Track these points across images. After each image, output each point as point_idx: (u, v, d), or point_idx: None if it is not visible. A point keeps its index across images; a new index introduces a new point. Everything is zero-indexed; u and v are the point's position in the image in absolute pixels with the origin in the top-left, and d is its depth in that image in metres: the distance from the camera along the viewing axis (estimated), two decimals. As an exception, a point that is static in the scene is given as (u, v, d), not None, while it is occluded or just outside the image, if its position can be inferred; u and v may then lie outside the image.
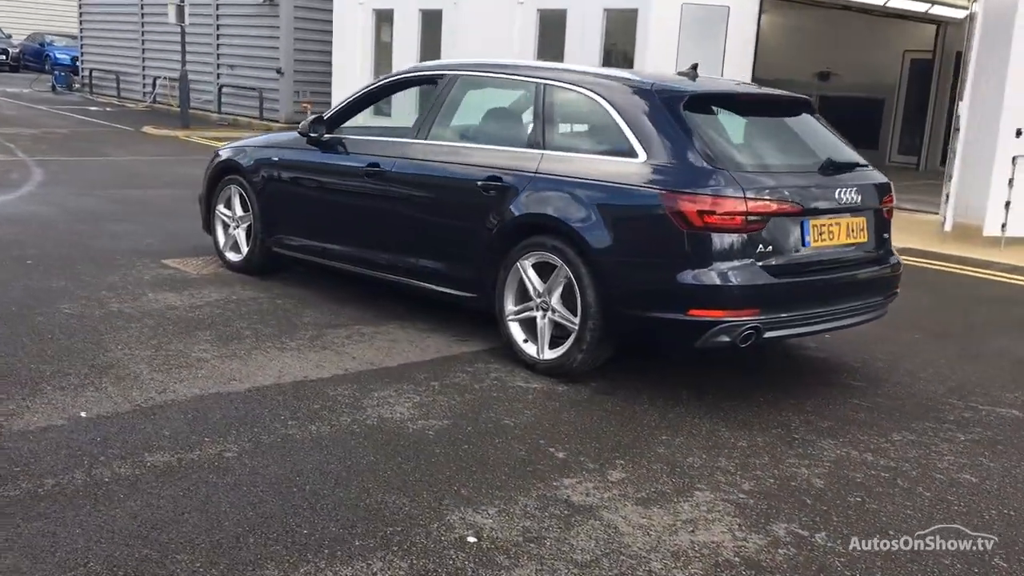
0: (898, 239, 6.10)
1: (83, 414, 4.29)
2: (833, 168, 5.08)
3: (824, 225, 4.93)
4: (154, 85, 24.84)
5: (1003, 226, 10.23)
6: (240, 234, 7.22)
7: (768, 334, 4.76)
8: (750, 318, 4.64)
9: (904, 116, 19.51)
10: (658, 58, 12.81)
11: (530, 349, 5.28)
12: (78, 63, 29.22)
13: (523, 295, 5.34)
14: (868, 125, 18.74)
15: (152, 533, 3.29)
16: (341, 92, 18.86)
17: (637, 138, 4.93)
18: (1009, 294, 8.47)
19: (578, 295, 4.98)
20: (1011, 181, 10.21)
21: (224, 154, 7.38)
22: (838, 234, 5.01)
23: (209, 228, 7.52)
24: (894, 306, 5.65)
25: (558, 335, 5.20)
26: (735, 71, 12.79)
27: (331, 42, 19.29)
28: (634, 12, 13.56)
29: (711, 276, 4.63)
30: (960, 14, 17.57)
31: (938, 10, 17.28)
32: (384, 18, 17.86)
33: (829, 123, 5.63)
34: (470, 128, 6.06)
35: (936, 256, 9.52)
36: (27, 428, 4.10)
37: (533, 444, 4.27)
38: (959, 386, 5.50)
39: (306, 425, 4.33)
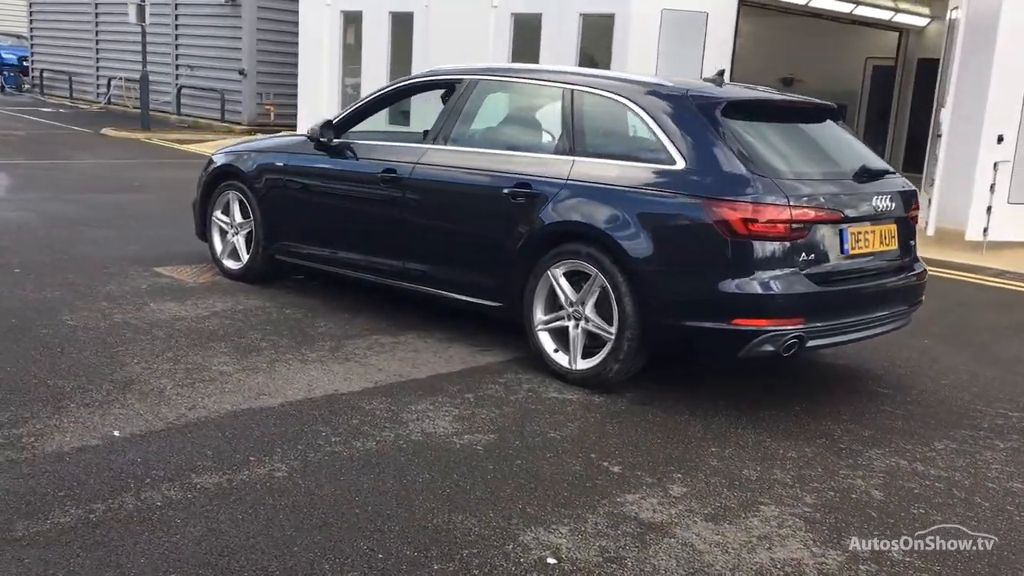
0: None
1: (116, 433, 4.10)
2: (867, 175, 5.06)
3: (861, 233, 4.91)
4: (109, 86, 24.28)
5: (985, 231, 10.39)
6: (240, 241, 7.03)
7: (810, 343, 4.72)
8: (795, 327, 4.60)
9: (867, 121, 19.79)
10: (637, 62, 12.80)
11: (561, 359, 5.18)
12: (26, 63, 28.47)
13: (553, 304, 5.25)
14: (832, 130, 18.91)
15: (221, 560, 3.13)
16: (307, 94, 18.61)
17: (675, 145, 4.87)
18: (1002, 298, 8.58)
19: (615, 304, 4.90)
20: (993, 186, 10.37)
21: (220, 159, 7.17)
22: (873, 242, 4.99)
23: (204, 235, 7.30)
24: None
25: (590, 345, 5.11)
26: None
27: (296, 43, 18.99)
28: (611, 17, 13.53)
29: (755, 285, 4.58)
30: (922, 22, 17.95)
31: (901, 18, 17.60)
32: (352, 20, 17.62)
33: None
34: (494, 134, 5.95)
35: (921, 261, 9.60)
36: (61, 450, 3.90)
37: (585, 458, 4.18)
38: (983, 392, 5.52)
39: (350, 442, 4.19)
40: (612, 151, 5.25)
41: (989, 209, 10.40)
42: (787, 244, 4.62)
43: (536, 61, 14.17)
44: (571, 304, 5.12)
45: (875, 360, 6.01)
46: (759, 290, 4.58)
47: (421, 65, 15.15)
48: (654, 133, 4.98)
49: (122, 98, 23.87)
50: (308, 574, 3.10)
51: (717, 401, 5.02)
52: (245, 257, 6.98)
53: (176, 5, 22.01)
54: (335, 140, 6.30)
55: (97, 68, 25.17)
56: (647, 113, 5.04)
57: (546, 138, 5.68)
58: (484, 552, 3.31)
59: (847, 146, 5.42)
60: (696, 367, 5.62)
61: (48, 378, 4.73)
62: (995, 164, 10.36)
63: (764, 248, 4.60)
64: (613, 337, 4.92)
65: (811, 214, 4.67)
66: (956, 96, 10.63)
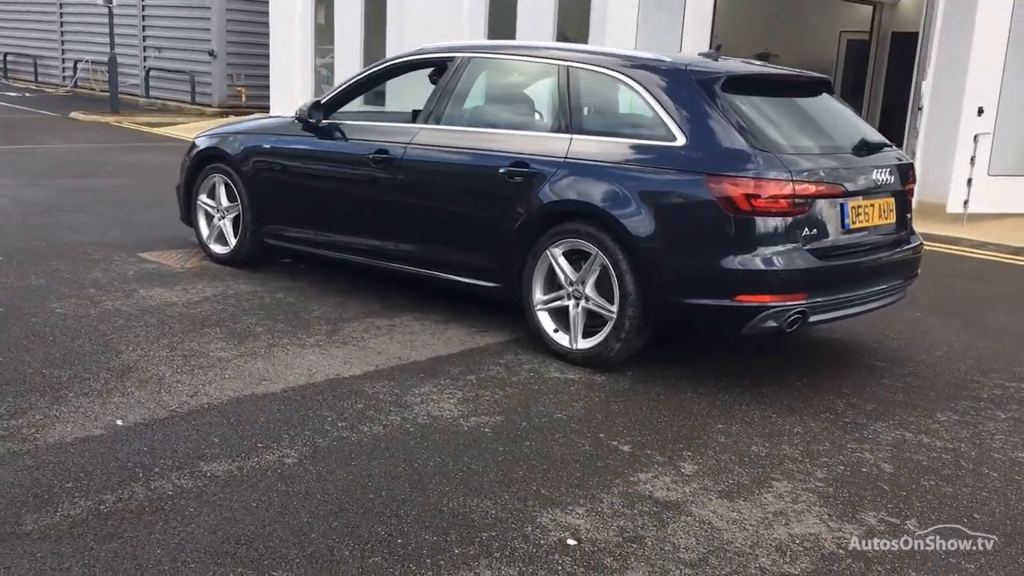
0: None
1: (119, 422, 4.03)
2: (866, 148, 5.06)
3: (861, 207, 4.92)
4: (75, 69, 23.85)
5: (965, 203, 10.47)
6: (227, 225, 6.92)
7: (812, 318, 4.73)
8: (798, 303, 4.60)
9: (842, 96, 19.75)
10: (615, 39, 12.73)
11: (561, 339, 5.16)
12: (-11, 46, 27.87)
13: (551, 284, 5.21)
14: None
15: (239, 549, 3.09)
16: (278, 75, 18.37)
17: (675, 121, 4.83)
18: (984, 269, 8.66)
19: (615, 283, 4.87)
20: (973, 159, 10.45)
21: (204, 142, 7.05)
22: (872, 215, 5.00)
23: (189, 220, 7.19)
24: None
25: (591, 324, 5.09)
26: (694, 48, 12.78)
27: (267, 23, 18.72)
28: (588, -8, 13.44)
29: (759, 261, 4.57)
30: (896, -5, 17.99)
31: (876, -9, 17.63)
32: (324, -2, 17.40)
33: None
34: (488, 112, 5.89)
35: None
36: (63, 440, 3.83)
37: (594, 438, 4.16)
38: (977, 364, 5.57)
39: (357, 426, 4.14)
40: (610, 128, 5.21)
41: (969, 181, 10.48)
42: (789, 219, 4.61)
43: (513, 38, 14.07)
44: (571, 283, 5.09)
45: (869, 333, 6.04)
46: (762, 266, 4.57)
47: (396, 45, 14.99)
48: (653, 109, 4.94)
49: (89, 81, 23.46)
50: (329, 560, 3.06)
51: (719, 378, 5.02)
52: (233, 241, 6.88)
53: (143, -15, 21.64)
54: (324, 121, 6.21)
55: (63, 51, 24.71)
56: (645, 89, 5.00)
57: (542, 116, 5.62)
58: (503, 535, 3.28)
59: (844, 119, 5.41)
60: (695, 344, 5.61)
61: (43, 367, 4.64)
62: (975, 136, 10.43)
63: (767, 224, 4.59)
64: (615, 316, 4.90)
65: (813, 189, 4.67)
66: (936, 68, 10.68)
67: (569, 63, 5.35)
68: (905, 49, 13.82)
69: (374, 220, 5.94)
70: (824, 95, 5.48)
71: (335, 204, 6.20)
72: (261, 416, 4.19)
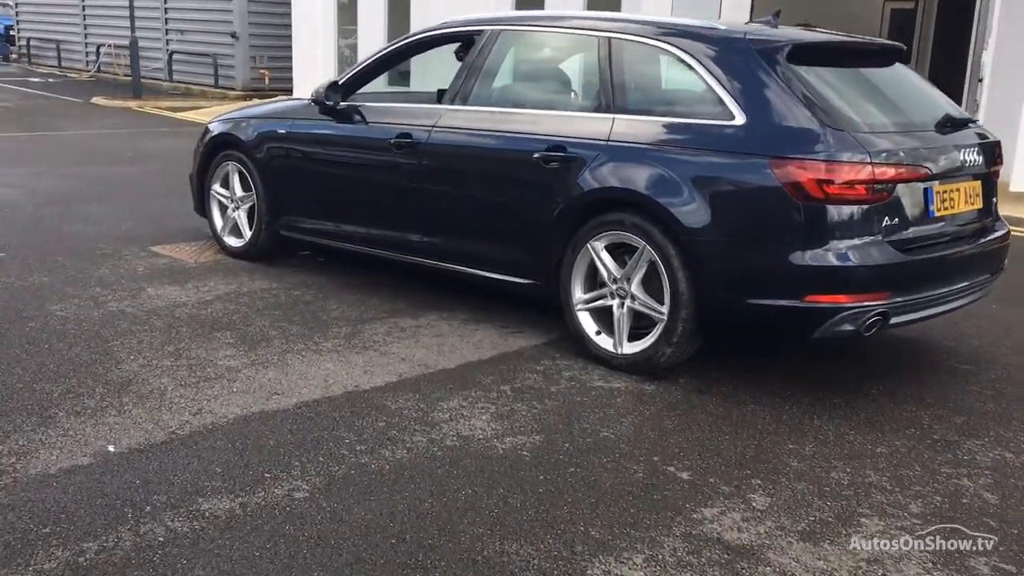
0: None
1: (111, 448, 3.57)
2: (950, 125, 4.48)
3: (946, 191, 4.34)
4: (98, 53, 23.53)
5: (1030, 181, 9.78)
6: (241, 216, 6.46)
7: (894, 320, 4.16)
8: (878, 303, 4.04)
9: (886, 67, 19.04)
10: (651, 7, 12.12)
11: (604, 343, 4.63)
12: (12, 32, 27.67)
13: (592, 281, 4.69)
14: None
15: (237, 615, 2.61)
16: (301, 57, 17.89)
17: (733, 97, 4.27)
18: (1057, 254, 7.99)
19: (666, 281, 4.34)
20: (1039, 134, 9.75)
21: (217, 128, 6.58)
22: (958, 201, 4.42)
23: (203, 210, 6.73)
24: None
25: (636, 326, 4.56)
26: (733, 16, 12.12)
27: (289, 3, 18.23)
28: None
29: (832, 255, 4.00)
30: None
31: (922, -42, 16.80)
32: (347, -24, 16.87)
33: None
34: (521, 91, 5.36)
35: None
36: (46, 471, 3.37)
37: (648, 463, 3.64)
38: (1071, 365, 4.98)
39: (377, 450, 3.65)
40: (658, 106, 4.64)
41: (1034, 158, 9.79)
42: (867, 207, 4.03)
43: (542, 9, 13.46)
44: (615, 281, 4.56)
45: (943, 331, 5.45)
46: (836, 262, 4.00)
47: (420, 21, 14.43)
48: (707, 84, 4.37)
49: (112, 65, 23.14)
50: (342, 630, 2.57)
51: (783, 386, 4.48)
52: (248, 233, 6.41)
53: (164, -33, 21.23)
54: (342, 103, 5.71)
55: (85, 35, 24.40)
56: (698, 61, 4.43)
57: (581, 94, 5.07)
58: (548, 591, 2.78)
59: (921, 92, 4.82)
60: (758, 352, 5.06)
61: (34, 382, 4.19)
62: (1041, 109, 9.73)
63: (841, 213, 4.02)
64: (665, 317, 4.36)
65: (893, 172, 4.09)
66: (998, 39, 9.96)
67: (610, 34, 4.79)
68: (953, 18, 13.06)
69: (396, 210, 5.44)
70: (898, 65, 4.88)
71: (354, 193, 5.70)
72: (271, 438, 3.71)
